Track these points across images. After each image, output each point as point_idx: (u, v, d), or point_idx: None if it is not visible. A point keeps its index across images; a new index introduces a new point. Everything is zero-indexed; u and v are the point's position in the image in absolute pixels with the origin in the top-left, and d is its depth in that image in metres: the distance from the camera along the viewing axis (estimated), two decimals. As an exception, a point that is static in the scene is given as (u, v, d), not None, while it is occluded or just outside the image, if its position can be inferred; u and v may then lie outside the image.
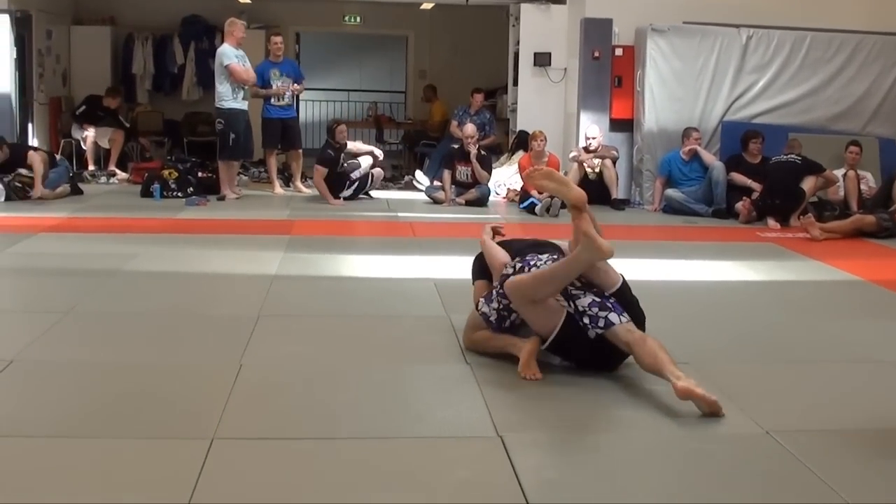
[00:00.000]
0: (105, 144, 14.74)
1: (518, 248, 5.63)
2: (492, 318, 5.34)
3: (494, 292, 5.39)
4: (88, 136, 14.57)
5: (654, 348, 4.76)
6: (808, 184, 11.47)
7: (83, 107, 14.94)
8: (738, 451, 4.11)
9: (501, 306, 5.30)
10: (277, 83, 13.04)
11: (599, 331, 4.95)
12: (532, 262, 5.25)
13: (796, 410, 4.66)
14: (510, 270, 5.34)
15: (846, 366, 5.57)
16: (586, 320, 4.98)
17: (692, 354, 5.25)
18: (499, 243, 5.87)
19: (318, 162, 12.58)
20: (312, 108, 19.97)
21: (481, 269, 5.89)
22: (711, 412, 4.45)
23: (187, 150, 15.45)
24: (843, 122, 13.07)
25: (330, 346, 5.63)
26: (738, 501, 3.60)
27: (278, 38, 13.43)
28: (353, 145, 13.13)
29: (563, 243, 5.52)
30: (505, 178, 13.48)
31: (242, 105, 12.37)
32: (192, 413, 4.36)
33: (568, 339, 5.04)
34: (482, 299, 5.49)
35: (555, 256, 5.27)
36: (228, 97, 12.19)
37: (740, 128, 12.56)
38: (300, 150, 13.62)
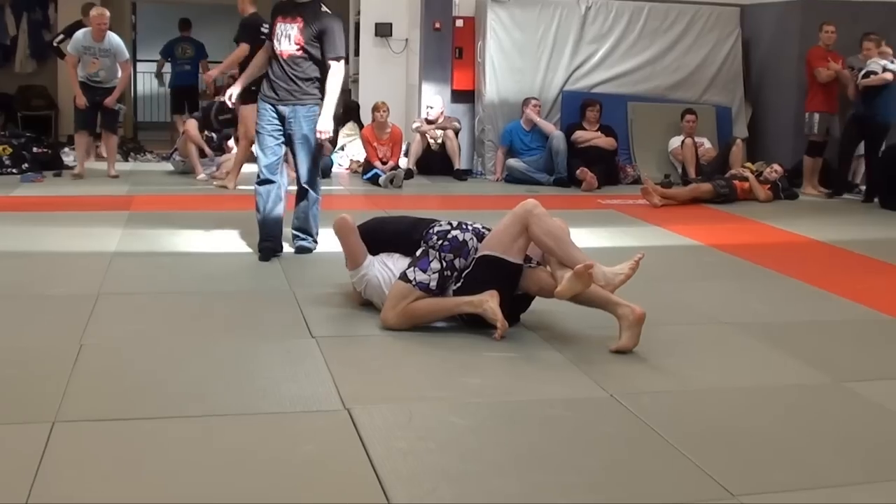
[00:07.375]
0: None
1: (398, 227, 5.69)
2: (431, 285, 5.24)
3: (432, 253, 5.27)
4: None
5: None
6: None
7: (61, 35, 13.11)
8: (583, 414, 4.19)
9: (445, 264, 5.24)
10: None
11: (531, 265, 5.28)
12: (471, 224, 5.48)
13: (640, 373, 4.77)
14: (447, 226, 5.41)
15: (688, 328, 5.71)
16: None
17: (539, 321, 5.29)
18: (368, 223, 5.83)
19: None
20: (151, 80, 19.50)
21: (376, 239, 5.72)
22: None
23: (21, 125, 15.03)
24: (681, 91, 13.36)
25: (172, 324, 5.53)
26: (585, 463, 3.67)
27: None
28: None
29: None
30: (348, 148, 13.43)
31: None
32: (32, 396, 4.23)
33: (503, 280, 5.22)
34: (411, 269, 5.30)
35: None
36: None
37: (580, 97, 12.73)
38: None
